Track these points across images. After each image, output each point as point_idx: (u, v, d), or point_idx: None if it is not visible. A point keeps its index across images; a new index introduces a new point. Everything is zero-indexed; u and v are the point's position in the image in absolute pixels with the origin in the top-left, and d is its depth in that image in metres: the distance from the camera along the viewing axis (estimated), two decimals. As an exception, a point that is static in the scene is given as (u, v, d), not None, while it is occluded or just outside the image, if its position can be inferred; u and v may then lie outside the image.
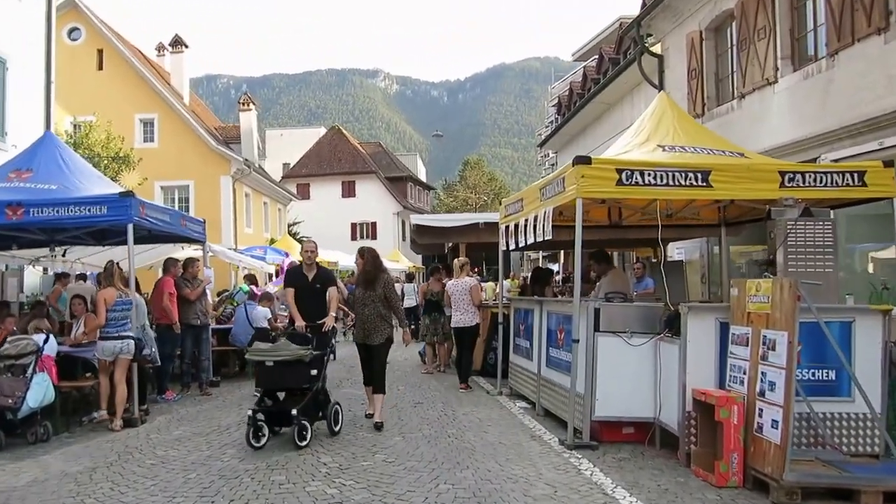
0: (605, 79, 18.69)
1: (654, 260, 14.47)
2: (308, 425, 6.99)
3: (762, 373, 5.43)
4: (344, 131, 59.27)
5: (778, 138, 10.47)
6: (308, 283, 7.96)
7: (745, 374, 5.68)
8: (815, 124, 9.74)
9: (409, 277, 26.89)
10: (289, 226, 43.87)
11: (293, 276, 8.39)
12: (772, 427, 5.22)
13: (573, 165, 6.77)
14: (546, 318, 8.33)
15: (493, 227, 11.05)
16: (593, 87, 20.55)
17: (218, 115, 48.61)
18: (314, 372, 7.21)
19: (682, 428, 6.09)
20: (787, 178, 6.90)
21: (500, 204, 10.13)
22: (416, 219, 12.50)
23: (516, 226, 9.01)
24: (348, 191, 52.85)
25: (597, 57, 22.75)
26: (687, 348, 6.09)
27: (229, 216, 29.78)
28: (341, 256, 34.02)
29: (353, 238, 51.19)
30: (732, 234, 10.85)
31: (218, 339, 12.26)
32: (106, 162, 22.01)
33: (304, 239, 43.92)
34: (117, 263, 8.78)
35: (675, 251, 17.44)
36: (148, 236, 10.70)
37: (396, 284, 34.36)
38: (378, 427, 7.69)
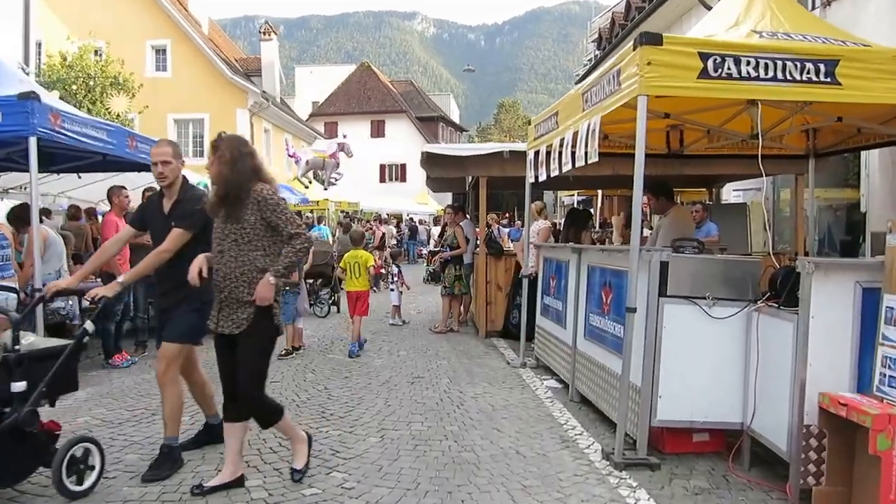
0: (652, 4, 16.31)
1: (709, 202, 12.28)
2: None
3: (958, 379, 3.23)
4: (374, 68, 56.51)
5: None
6: (163, 220, 4.64)
7: (917, 376, 3.48)
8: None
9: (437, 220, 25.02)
10: (315, 166, 41.96)
11: (144, 208, 5.01)
12: (978, 475, 3.05)
13: (635, 48, 4.52)
14: (586, 272, 6.13)
15: (521, 157, 8.82)
16: (638, 16, 18.08)
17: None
18: (19, 387, 3.81)
19: (797, 449, 3.93)
20: (949, 72, 4.62)
21: (530, 125, 7.89)
22: (426, 147, 10.27)
23: (548, 151, 6.81)
24: (377, 130, 50.51)
25: (642, -15, 20.09)
26: (810, 327, 3.88)
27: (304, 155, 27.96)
28: (364, 196, 32.13)
29: (382, 180, 49.34)
30: (818, 169, 8.56)
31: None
32: (101, 87, 20.13)
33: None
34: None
35: (733, 193, 15.16)
36: (103, 162, 8.74)
37: (421, 227, 32.30)
38: None
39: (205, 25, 30.36)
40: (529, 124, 7.86)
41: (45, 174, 10.61)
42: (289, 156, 16.85)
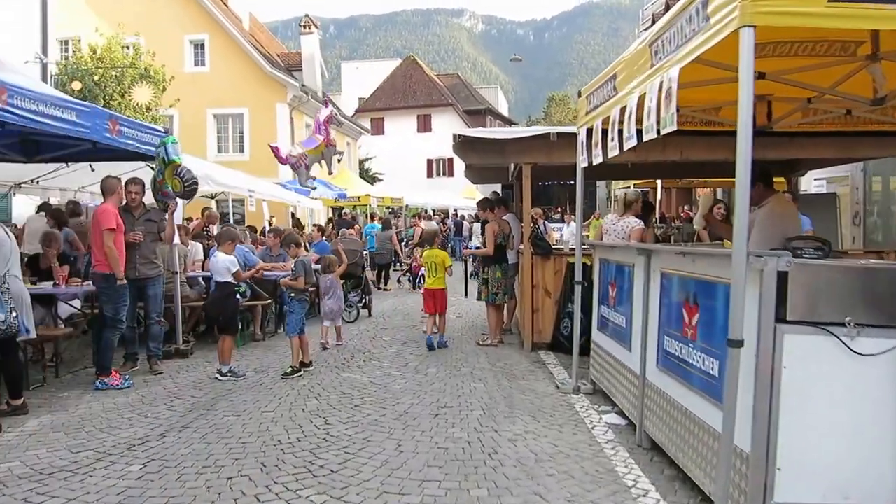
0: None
1: (785, 192, 10.69)
2: None
3: None
4: (419, 61, 55.32)
5: None
6: None
7: None
8: None
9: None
10: (360, 162, 41.03)
11: None
12: None
13: (736, -41, 3.08)
14: (659, 281, 4.67)
15: (571, 141, 7.40)
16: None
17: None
18: None
19: None
20: None
21: (580, 96, 6.44)
22: (460, 131, 8.90)
23: (604, 130, 5.37)
24: (424, 125, 49.32)
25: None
26: None
27: (286, 146, 27.13)
28: (409, 192, 30.95)
29: (429, 175, 48.33)
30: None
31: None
32: (131, 79, 19.36)
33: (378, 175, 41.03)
34: None
35: (814, 182, 13.47)
36: (93, 150, 7.66)
37: (465, 224, 31.05)
38: None
39: (246, 21, 29.92)
40: (580, 96, 6.41)
41: (57, 167, 9.67)
42: (281, 162, 15.20)
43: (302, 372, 7.21)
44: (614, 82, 5.12)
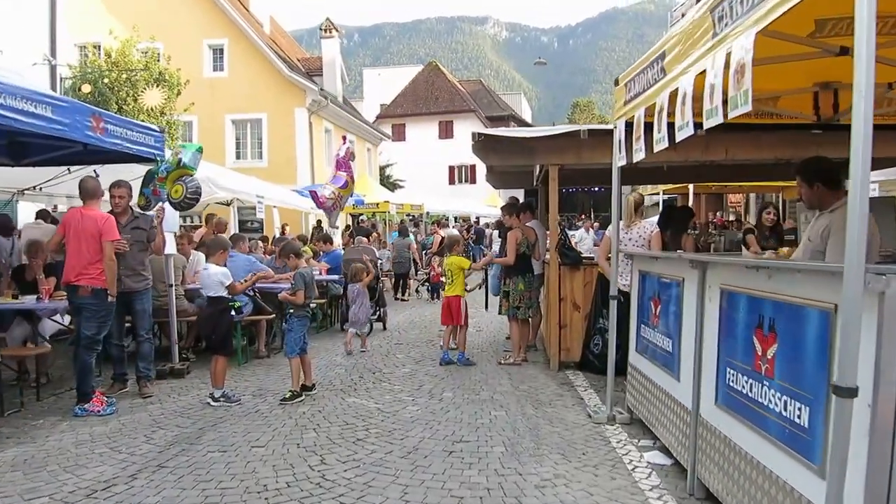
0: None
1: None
2: None
3: None
4: (441, 67, 54.78)
5: None
6: None
7: None
8: None
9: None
10: (381, 168, 40.47)
11: None
12: None
13: None
14: (718, 301, 3.85)
15: (604, 140, 6.64)
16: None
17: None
18: None
19: None
20: None
21: (618, 84, 5.64)
22: (482, 129, 8.17)
23: (648, 124, 4.60)
24: (445, 131, 48.77)
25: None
26: None
27: (305, 152, 26.84)
28: (430, 199, 30.29)
29: (451, 182, 47.79)
30: None
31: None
32: (144, 83, 18.89)
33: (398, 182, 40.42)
34: None
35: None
36: (84, 152, 7.01)
37: (486, 231, 30.35)
38: None
39: (266, 25, 29.45)
40: (617, 84, 5.62)
41: (59, 172, 9.12)
42: (319, 206, 14.52)
43: (303, 396, 6.46)
44: (662, 63, 4.32)
